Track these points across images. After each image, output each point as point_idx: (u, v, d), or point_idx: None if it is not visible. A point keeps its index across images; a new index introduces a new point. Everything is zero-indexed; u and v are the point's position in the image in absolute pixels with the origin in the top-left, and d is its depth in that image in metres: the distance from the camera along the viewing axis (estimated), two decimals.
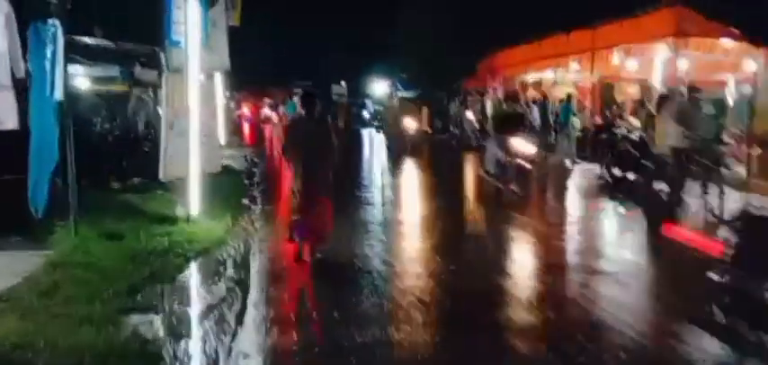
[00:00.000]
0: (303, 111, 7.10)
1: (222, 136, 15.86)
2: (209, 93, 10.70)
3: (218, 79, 15.88)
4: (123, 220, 7.34)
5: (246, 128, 26.71)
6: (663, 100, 10.86)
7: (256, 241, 7.83)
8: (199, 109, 8.21)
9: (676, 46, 13.37)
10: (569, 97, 17.42)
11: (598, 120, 17.23)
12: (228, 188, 10.85)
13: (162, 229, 7.34)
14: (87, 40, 12.93)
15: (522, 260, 7.64)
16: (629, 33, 15.18)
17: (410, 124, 21.48)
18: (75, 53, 12.95)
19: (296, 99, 23.55)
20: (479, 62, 26.63)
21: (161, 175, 8.95)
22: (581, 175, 14.88)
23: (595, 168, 14.68)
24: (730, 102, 14.36)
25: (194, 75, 8.21)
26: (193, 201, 8.06)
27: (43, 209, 6.00)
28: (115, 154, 11.23)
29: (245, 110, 33.78)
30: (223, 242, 7.39)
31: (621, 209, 10.45)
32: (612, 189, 12.22)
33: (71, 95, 11.83)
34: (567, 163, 16.18)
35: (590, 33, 16.72)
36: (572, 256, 7.95)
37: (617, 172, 12.84)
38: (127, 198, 9.19)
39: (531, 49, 20.95)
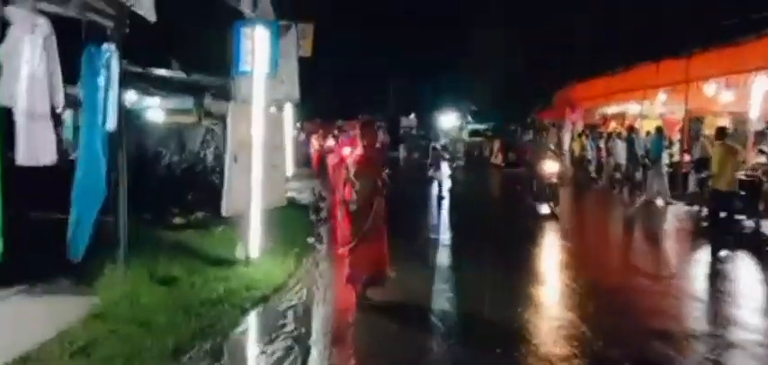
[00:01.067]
0: (363, 141, 6.46)
1: (290, 167, 15.47)
2: (277, 123, 10.25)
3: (288, 110, 15.54)
4: (179, 261, 6.82)
5: (314, 159, 26.49)
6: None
7: (320, 288, 7.10)
8: (264, 140, 7.70)
9: None
10: (659, 129, 16.00)
11: (689, 157, 15.78)
12: (293, 224, 10.29)
13: (219, 273, 6.78)
14: (162, 72, 12.87)
15: None
16: (726, 63, 13.81)
17: (550, 168, 13.88)
18: (149, 84, 12.97)
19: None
20: (556, 93, 25.48)
21: (223, 211, 8.49)
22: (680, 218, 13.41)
23: (693, 209, 13.40)
24: None
25: (259, 106, 7.72)
26: (254, 242, 7.52)
27: (85, 250, 5.46)
28: (180, 187, 10.93)
29: (314, 141, 33.77)
30: (284, 289, 6.77)
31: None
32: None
33: (141, 127, 11.86)
34: (659, 202, 14.74)
35: (683, 63, 15.37)
36: None
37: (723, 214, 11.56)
38: (187, 235, 8.73)
39: (615, 80, 19.71)
